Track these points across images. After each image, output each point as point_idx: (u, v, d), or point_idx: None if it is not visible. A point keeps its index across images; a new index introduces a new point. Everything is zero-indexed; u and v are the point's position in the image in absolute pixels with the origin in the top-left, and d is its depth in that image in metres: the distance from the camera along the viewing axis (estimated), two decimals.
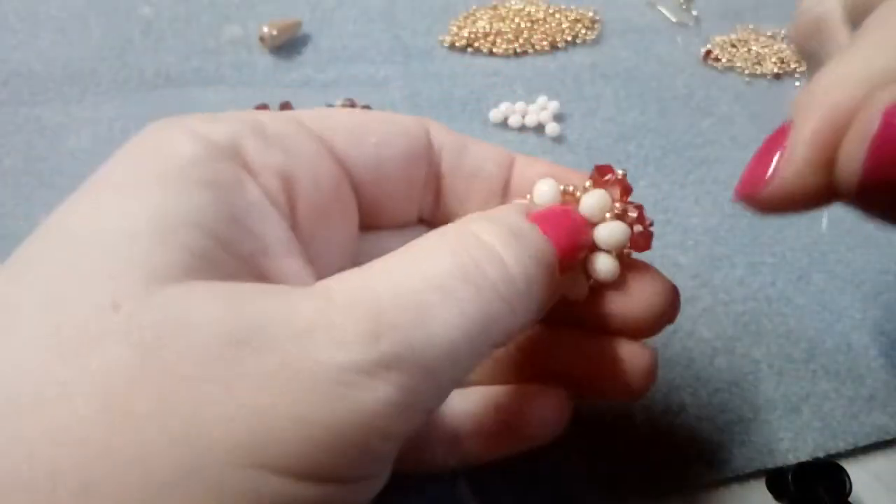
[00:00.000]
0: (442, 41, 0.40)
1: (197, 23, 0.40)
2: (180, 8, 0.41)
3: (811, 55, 0.18)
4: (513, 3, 0.42)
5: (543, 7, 0.42)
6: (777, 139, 0.14)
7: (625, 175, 0.19)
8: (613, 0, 0.43)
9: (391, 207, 0.20)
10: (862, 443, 0.25)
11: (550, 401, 0.20)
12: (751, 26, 0.42)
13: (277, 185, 0.17)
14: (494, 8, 0.42)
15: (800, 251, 0.30)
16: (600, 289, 0.19)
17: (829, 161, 0.13)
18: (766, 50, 0.40)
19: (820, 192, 0.13)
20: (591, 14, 0.42)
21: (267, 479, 0.12)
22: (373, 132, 0.19)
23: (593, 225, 0.19)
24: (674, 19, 0.42)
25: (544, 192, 0.19)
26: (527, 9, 0.42)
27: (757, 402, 0.26)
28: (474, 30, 0.40)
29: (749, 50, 0.40)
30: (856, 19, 0.15)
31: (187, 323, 0.12)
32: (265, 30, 0.38)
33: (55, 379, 0.12)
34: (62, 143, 0.34)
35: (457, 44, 0.40)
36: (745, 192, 0.15)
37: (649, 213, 0.20)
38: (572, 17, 0.41)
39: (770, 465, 0.25)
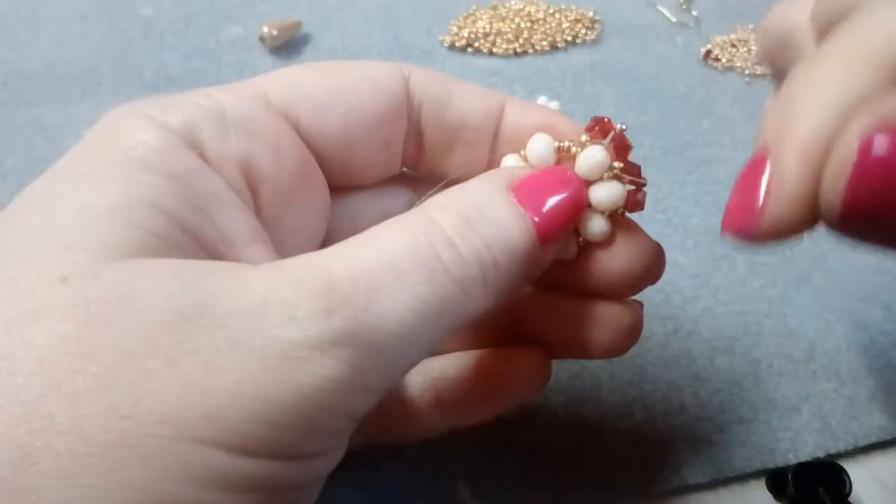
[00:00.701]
0: (442, 41, 0.40)
1: (197, 23, 0.40)
2: (180, 8, 0.41)
3: (780, 71, 0.18)
4: (513, 3, 0.42)
5: (543, 7, 0.42)
6: (756, 171, 0.14)
7: (623, 131, 0.18)
8: (613, 0, 0.43)
9: (367, 168, 0.20)
10: (862, 443, 0.25)
11: (531, 361, 0.20)
12: (751, 26, 0.42)
13: (237, 174, 0.17)
14: (494, 8, 0.42)
15: (800, 251, 0.30)
16: (588, 248, 0.19)
17: (815, 192, 0.13)
18: None
19: (809, 221, 0.13)
20: (591, 14, 0.42)
21: (209, 453, 0.12)
22: (341, 101, 0.18)
23: (589, 184, 0.18)
24: (674, 19, 0.42)
25: (538, 150, 0.18)
26: (527, 9, 0.42)
27: (757, 402, 0.26)
28: (474, 30, 0.40)
29: (749, 50, 0.40)
30: (825, 33, 0.15)
31: (134, 298, 0.12)
32: (265, 30, 0.38)
33: None
34: (62, 143, 0.33)
35: (457, 44, 0.40)
36: (734, 228, 0.14)
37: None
38: (572, 17, 0.41)
39: (770, 465, 0.25)
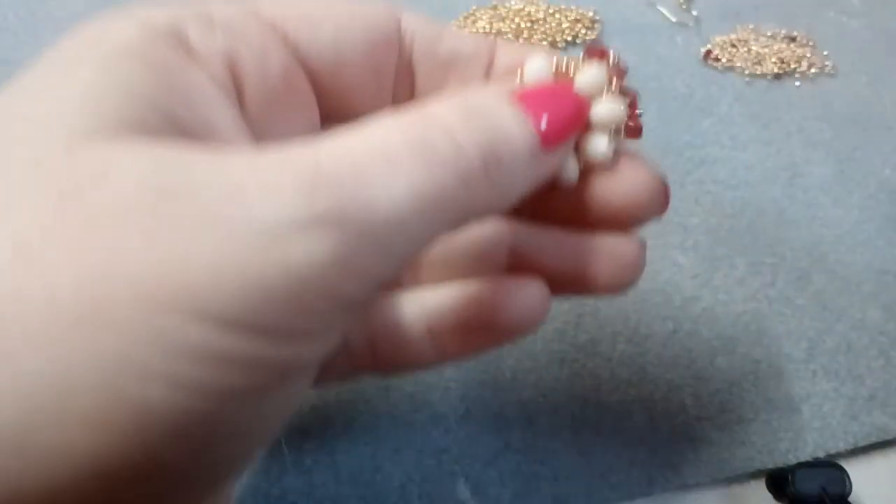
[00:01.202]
0: None
1: None
2: None
3: None
4: (513, 3, 0.42)
5: (543, 7, 0.42)
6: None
7: (619, 57, 0.18)
8: (613, 0, 0.43)
9: (357, 98, 0.19)
10: (862, 443, 0.25)
11: (529, 291, 0.19)
12: (751, 26, 0.42)
13: (223, 70, 0.16)
14: (494, 8, 0.42)
15: (800, 251, 0.30)
16: (589, 173, 0.18)
17: None
18: (766, 50, 0.40)
19: None
20: (591, 14, 0.42)
21: (187, 326, 0.11)
22: (331, 19, 0.18)
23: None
24: (674, 19, 0.42)
25: (535, 69, 0.18)
26: (527, 9, 0.42)
27: (757, 402, 0.26)
28: (474, 30, 0.40)
29: (749, 50, 0.40)
30: None
31: (107, 176, 0.12)
32: None
33: None
34: None
35: None
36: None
37: None
38: (572, 17, 0.41)
39: (770, 465, 0.25)
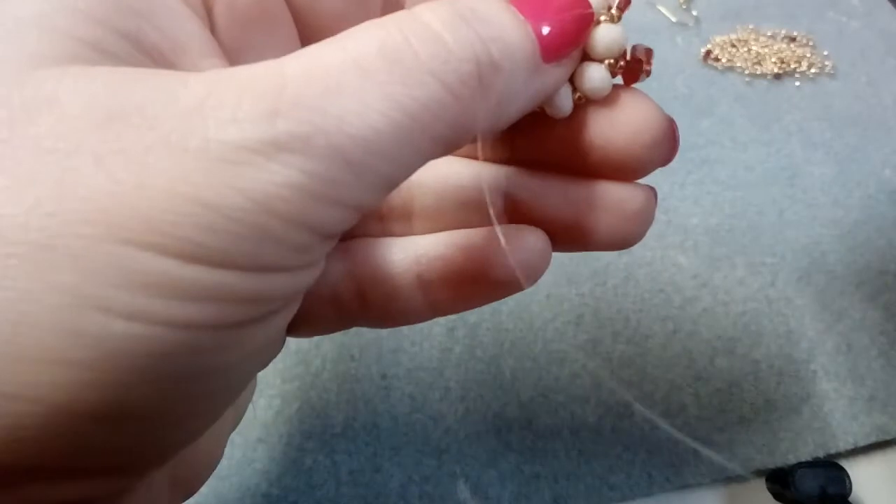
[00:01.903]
0: None
1: None
2: None
3: None
4: None
5: None
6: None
7: None
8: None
9: (338, 21, 0.18)
10: (862, 443, 0.25)
11: (527, 240, 0.17)
12: (751, 26, 0.42)
13: None
14: None
15: (800, 251, 0.30)
16: (588, 108, 0.17)
17: None
18: (766, 50, 0.40)
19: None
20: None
21: (146, 257, 0.11)
22: None
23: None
24: (674, 19, 0.42)
25: None
26: None
27: (757, 402, 0.26)
28: None
29: (749, 50, 0.40)
30: None
31: (58, 100, 0.11)
32: None
33: None
34: None
35: None
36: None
37: None
38: None
39: (770, 465, 0.25)
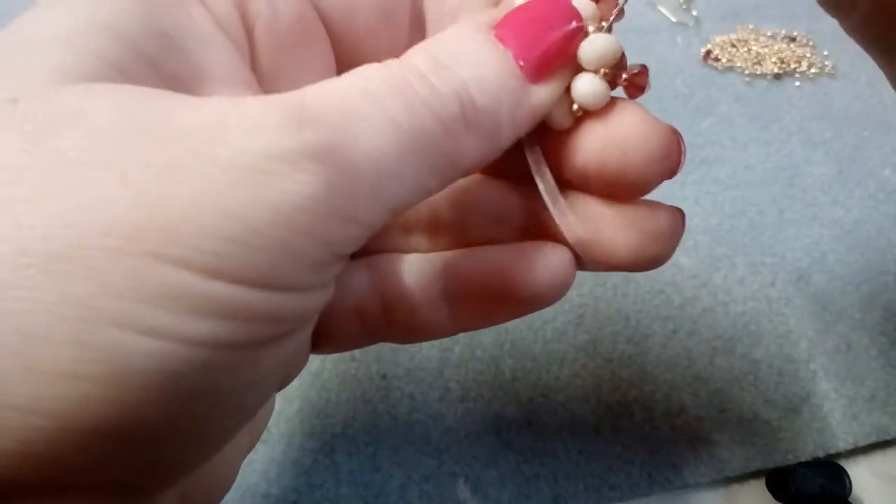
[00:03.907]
0: None
1: None
2: None
3: None
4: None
5: None
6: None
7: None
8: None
9: (370, 50, 0.18)
10: (862, 443, 0.25)
11: (551, 257, 0.17)
12: (751, 26, 0.42)
13: (230, 10, 0.16)
14: None
15: (800, 251, 0.30)
16: (586, 121, 0.16)
17: None
18: (766, 50, 0.40)
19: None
20: None
21: (165, 270, 0.11)
22: None
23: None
24: (674, 19, 0.42)
25: None
26: None
27: (757, 402, 0.26)
28: None
29: (749, 50, 0.40)
30: None
31: (84, 113, 0.12)
32: None
33: None
34: None
35: None
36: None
37: None
38: None
39: (770, 465, 0.25)
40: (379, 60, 0.17)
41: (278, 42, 0.16)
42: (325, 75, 0.18)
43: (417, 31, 0.19)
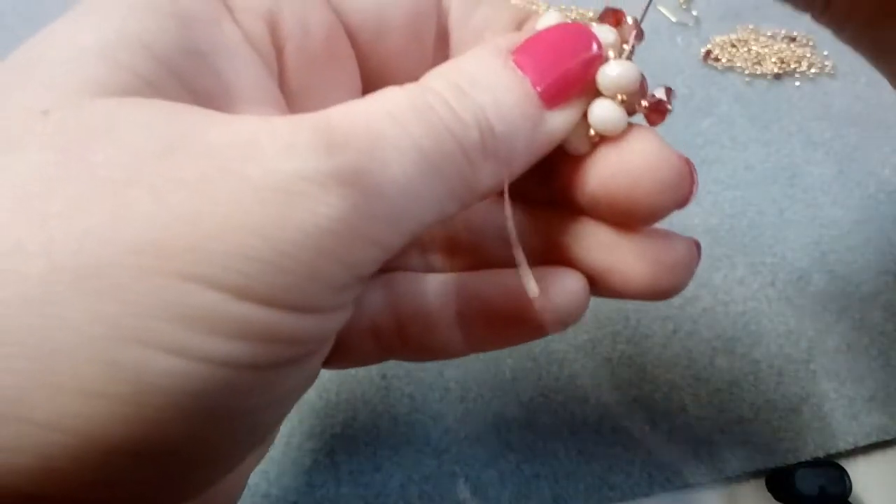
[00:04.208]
0: None
1: None
2: None
3: None
4: (513, 3, 0.42)
5: (544, 7, 0.42)
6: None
7: (637, 21, 0.17)
8: (613, 1, 0.43)
9: (398, 67, 0.18)
10: (862, 443, 0.25)
11: (565, 283, 0.17)
12: (751, 26, 0.42)
13: (261, 28, 0.16)
14: None
15: (800, 251, 0.30)
16: (603, 147, 0.16)
17: None
18: (766, 50, 0.40)
19: None
20: (590, 14, 0.42)
21: (193, 290, 0.11)
22: None
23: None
24: (674, 19, 0.42)
25: (549, 21, 0.17)
26: (527, 9, 0.42)
27: (757, 402, 0.26)
28: None
29: (749, 50, 0.40)
30: None
31: (117, 129, 0.12)
32: None
33: None
34: None
35: None
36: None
37: None
38: (572, 17, 0.41)
39: (770, 465, 0.25)
40: (404, 78, 0.18)
41: (307, 60, 0.16)
42: (350, 93, 0.18)
43: (441, 48, 0.19)
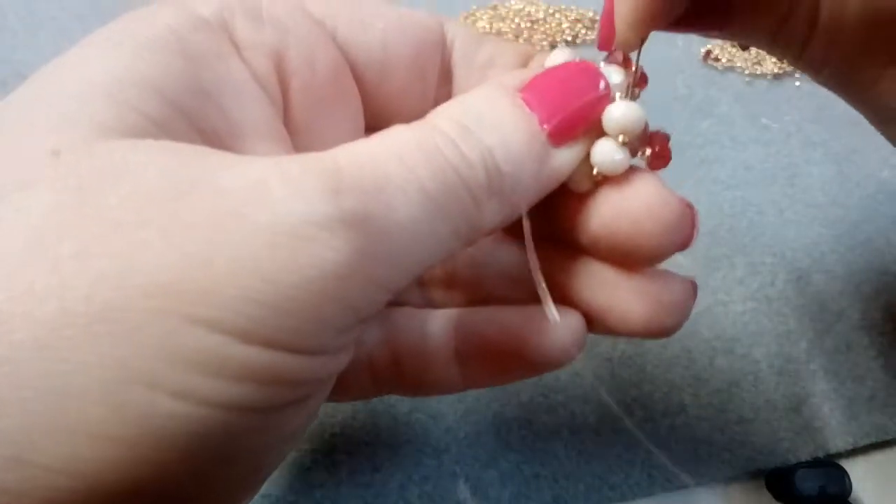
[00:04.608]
0: None
1: None
2: None
3: None
4: (513, 2, 0.42)
5: (543, 7, 0.42)
6: (610, 5, 0.17)
7: (641, 66, 0.17)
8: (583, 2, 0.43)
9: (401, 103, 0.19)
10: (862, 443, 0.25)
11: (563, 323, 0.17)
12: None
13: (267, 65, 0.16)
14: (494, 8, 0.42)
15: (800, 251, 0.30)
16: (604, 187, 0.16)
17: (644, 17, 0.17)
18: None
19: (647, 29, 0.17)
20: (591, 14, 0.42)
21: (201, 334, 0.11)
22: (381, 19, 0.17)
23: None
24: None
25: (557, 59, 0.17)
26: (527, 9, 0.42)
27: (757, 402, 0.26)
28: (474, 30, 0.40)
29: (749, 50, 0.40)
30: None
31: (129, 171, 0.12)
32: None
33: None
34: None
35: None
36: (603, 48, 0.18)
37: None
38: (572, 17, 0.41)
39: (770, 465, 0.25)
40: (407, 113, 0.18)
41: (312, 97, 0.17)
42: (354, 129, 0.18)
43: (445, 85, 0.19)
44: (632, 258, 0.16)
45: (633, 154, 0.16)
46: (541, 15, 0.41)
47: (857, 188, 0.33)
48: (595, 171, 0.16)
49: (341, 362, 0.14)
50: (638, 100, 0.17)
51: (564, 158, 0.16)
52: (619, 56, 0.17)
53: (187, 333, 0.11)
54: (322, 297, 0.12)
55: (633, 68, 0.17)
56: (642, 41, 0.17)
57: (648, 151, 0.17)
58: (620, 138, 0.16)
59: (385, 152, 0.13)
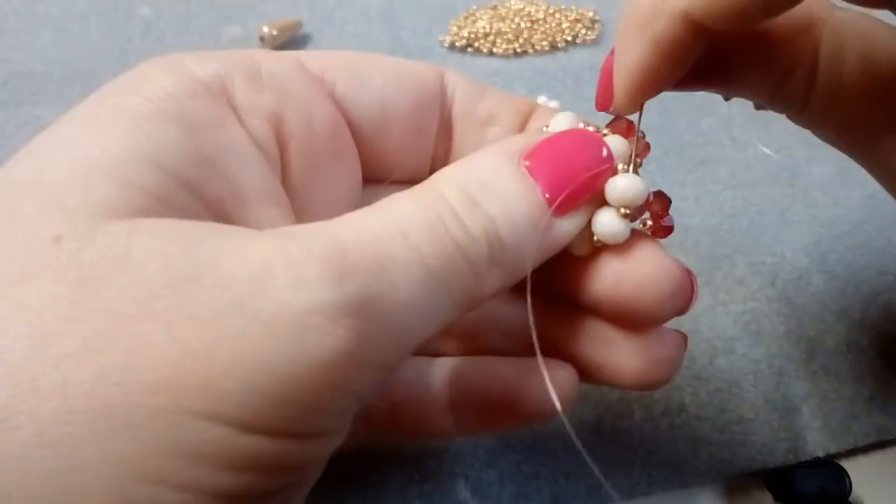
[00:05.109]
0: (442, 41, 0.40)
1: (197, 23, 0.40)
2: (180, 8, 0.41)
3: None
4: (513, 3, 0.42)
5: (543, 7, 0.42)
6: (609, 65, 0.17)
7: (643, 133, 0.17)
8: (613, 0, 0.43)
9: (399, 158, 0.19)
10: (862, 443, 0.25)
11: (558, 375, 0.18)
12: None
13: (266, 128, 0.16)
14: (494, 8, 0.42)
15: (800, 251, 0.30)
16: (603, 252, 0.17)
17: (643, 86, 0.16)
18: None
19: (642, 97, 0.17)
20: (591, 14, 0.42)
21: (204, 427, 0.11)
22: (379, 74, 0.18)
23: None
24: None
25: (561, 124, 0.17)
26: (527, 9, 0.42)
27: (757, 402, 0.26)
28: (474, 30, 0.40)
29: None
30: None
31: (130, 260, 0.12)
32: (265, 30, 0.38)
33: None
34: None
35: (457, 44, 0.40)
36: (600, 109, 0.18)
37: None
38: (572, 17, 0.41)
39: (770, 465, 0.25)
40: (405, 167, 0.18)
41: (310, 156, 0.17)
42: (351, 185, 0.18)
43: (444, 138, 0.19)
44: (632, 321, 0.17)
45: (633, 220, 0.17)
46: (541, 15, 0.41)
47: (858, 188, 0.33)
48: (595, 238, 0.17)
49: (338, 440, 0.14)
50: (640, 169, 0.17)
51: (566, 227, 0.16)
52: (623, 123, 0.18)
53: (191, 427, 0.11)
54: (323, 384, 0.12)
55: (635, 136, 0.17)
56: (642, 107, 0.17)
57: (650, 220, 0.17)
58: (622, 210, 0.16)
59: (389, 230, 0.13)
